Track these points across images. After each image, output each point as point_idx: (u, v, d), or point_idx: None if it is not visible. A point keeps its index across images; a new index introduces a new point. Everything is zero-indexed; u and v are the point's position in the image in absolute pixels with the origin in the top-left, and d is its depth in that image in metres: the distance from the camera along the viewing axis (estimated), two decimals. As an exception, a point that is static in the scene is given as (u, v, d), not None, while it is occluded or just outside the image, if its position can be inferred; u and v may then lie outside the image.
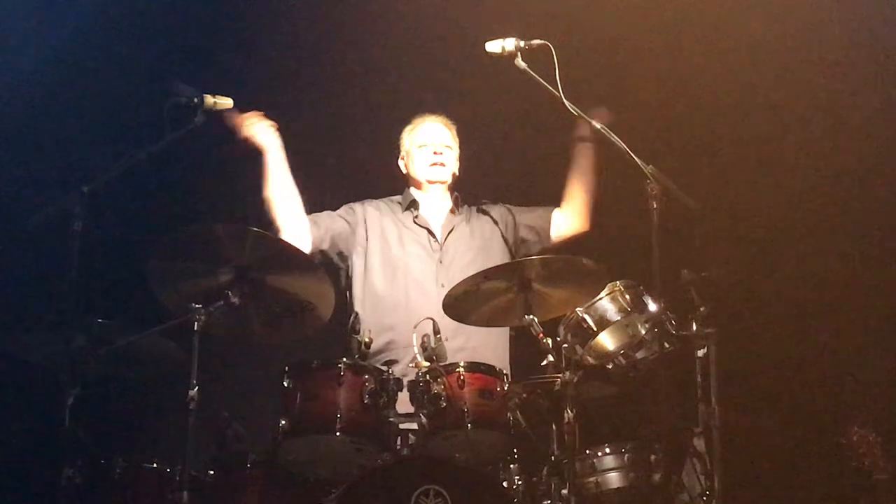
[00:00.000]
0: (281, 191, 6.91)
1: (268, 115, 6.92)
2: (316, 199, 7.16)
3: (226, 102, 6.37)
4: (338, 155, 7.93)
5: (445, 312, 6.49)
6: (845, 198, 7.32)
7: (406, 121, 7.33)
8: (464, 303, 6.40)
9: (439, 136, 7.25)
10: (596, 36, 7.45)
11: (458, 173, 7.27)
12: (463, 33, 7.25)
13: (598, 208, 7.20)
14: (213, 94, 6.32)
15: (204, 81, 6.49)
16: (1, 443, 6.44)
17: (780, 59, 7.53)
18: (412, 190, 7.26)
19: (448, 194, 7.27)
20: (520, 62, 6.40)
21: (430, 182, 7.22)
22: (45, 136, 6.80)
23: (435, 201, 7.22)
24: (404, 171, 7.33)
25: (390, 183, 7.34)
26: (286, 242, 6.23)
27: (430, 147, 7.22)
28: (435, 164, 7.20)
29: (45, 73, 6.82)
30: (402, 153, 7.36)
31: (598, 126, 6.41)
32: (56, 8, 6.98)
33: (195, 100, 6.28)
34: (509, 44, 6.42)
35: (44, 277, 6.50)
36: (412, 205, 7.15)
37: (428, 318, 6.53)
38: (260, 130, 6.80)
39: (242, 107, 6.50)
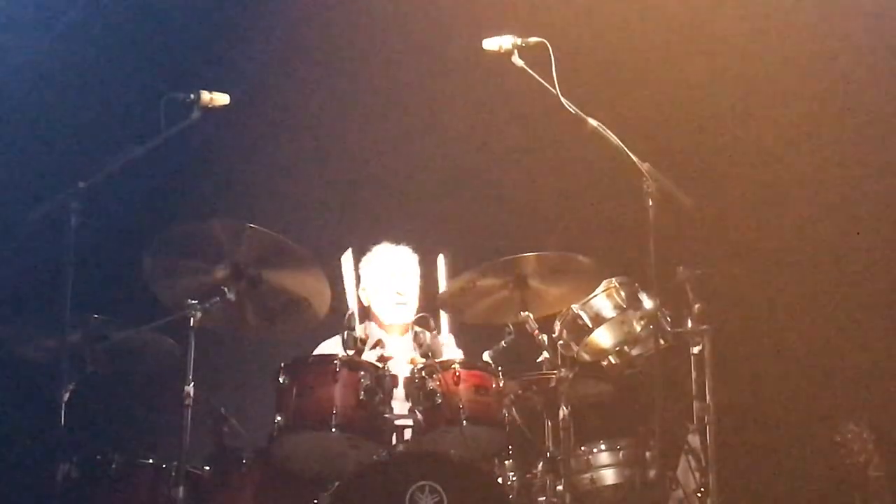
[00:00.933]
0: None
1: (264, 111, 6.95)
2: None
3: (222, 99, 6.32)
4: (334, 145, 7.89)
5: (442, 309, 6.54)
6: (841, 195, 7.33)
7: (365, 244, 7.04)
8: (460, 300, 6.44)
9: (401, 271, 7.01)
10: (593, 34, 7.46)
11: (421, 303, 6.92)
12: (459, 31, 7.20)
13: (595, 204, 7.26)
14: (210, 90, 6.29)
15: (200, 78, 6.52)
16: None
17: (778, 57, 7.53)
18: (374, 326, 7.00)
19: (411, 332, 6.83)
20: (517, 59, 6.34)
21: (393, 325, 6.99)
22: (41, 132, 6.80)
23: (398, 343, 6.92)
24: (365, 304, 6.97)
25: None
26: (283, 239, 6.19)
27: (391, 285, 6.97)
28: (399, 303, 6.94)
29: (41, 70, 6.82)
30: (362, 285, 7.01)
31: (594, 124, 6.34)
32: (52, 4, 6.97)
33: (191, 96, 6.24)
34: (506, 41, 6.35)
35: (40, 273, 6.51)
36: (378, 344, 6.69)
37: (423, 315, 6.56)
38: None
39: (238, 103, 6.47)
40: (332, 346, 6.62)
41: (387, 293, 6.94)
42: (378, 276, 6.97)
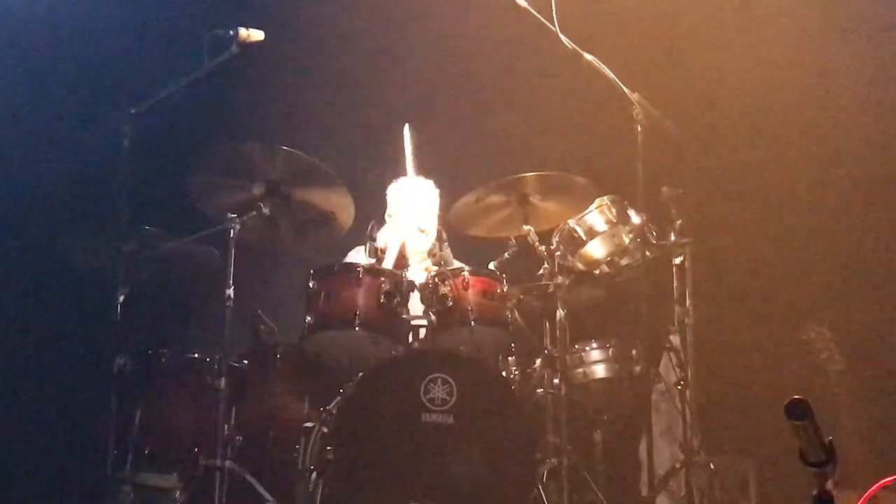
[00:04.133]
0: None
1: (295, 47, 6.97)
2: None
3: (257, 35, 6.37)
4: (356, 79, 7.83)
5: (452, 223, 6.64)
6: (810, 123, 7.20)
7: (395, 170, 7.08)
8: (468, 214, 6.59)
9: (423, 206, 6.92)
10: None
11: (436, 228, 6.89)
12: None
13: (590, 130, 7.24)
14: (247, 27, 6.33)
15: (239, 16, 6.53)
16: (60, 336, 6.52)
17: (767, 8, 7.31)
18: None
19: (428, 257, 6.90)
20: (522, 1, 6.37)
21: (414, 252, 6.89)
22: (98, 62, 6.68)
23: (417, 264, 6.90)
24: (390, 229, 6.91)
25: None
26: (312, 159, 6.26)
27: (413, 217, 6.88)
28: (422, 234, 6.85)
29: (102, 9, 6.74)
30: (388, 211, 7.01)
31: (589, 58, 6.39)
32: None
33: (231, 32, 6.29)
34: None
35: (98, 190, 6.52)
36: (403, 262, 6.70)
37: (439, 228, 6.72)
38: None
39: (272, 38, 6.48)
40: (357, 253, 6.72)
41: (408, 223, 6.87)
42: (402, 207, 6.93)
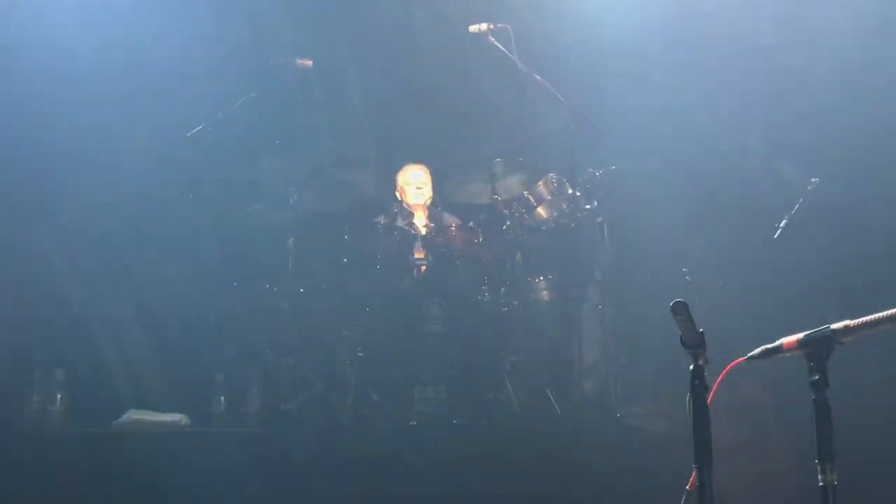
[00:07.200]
0: None
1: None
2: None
3: (308, 63, 6.46)
4: (379, 97, 7.54)
5: (448, 196, 6.75)
6: (693, 132, 7.03)
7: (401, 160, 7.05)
8: (457, 188, 6.74)
9: (420, 178, 6.87)
10: (538, 22, 7.13)
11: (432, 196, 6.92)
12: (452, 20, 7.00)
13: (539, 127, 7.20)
14: (300, 58, 6.42)
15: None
16: (181, 280, 6.52)
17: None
18: (404, 207, 6.83)
19: (424, 213, 6.84)
20: (491, 38, 6.48)
21: (416, 205, 6.83)
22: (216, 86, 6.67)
23: (419, 216, 6.87)
24: (399, 198, 6.86)
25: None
26: (346, 150, 6.52)
27: (414, 184, 6.82)
28: (419, 190, 6.82)
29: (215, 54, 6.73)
30: (398, 188, 6.89)
31: (538, 78, 6.47)
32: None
33: (290, 61, 6.41)
34: (483, 26, 6.48)
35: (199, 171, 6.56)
36: (409, 217, 6.71)
37: (434, 197, 6.80)
38: None
39: (317, 65, 6.55)
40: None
41: (412, 188, 6.87)
42: (408, 182, 6.89)
